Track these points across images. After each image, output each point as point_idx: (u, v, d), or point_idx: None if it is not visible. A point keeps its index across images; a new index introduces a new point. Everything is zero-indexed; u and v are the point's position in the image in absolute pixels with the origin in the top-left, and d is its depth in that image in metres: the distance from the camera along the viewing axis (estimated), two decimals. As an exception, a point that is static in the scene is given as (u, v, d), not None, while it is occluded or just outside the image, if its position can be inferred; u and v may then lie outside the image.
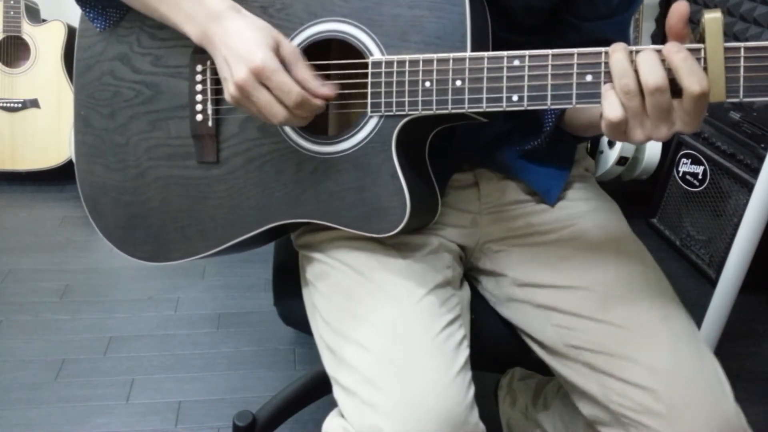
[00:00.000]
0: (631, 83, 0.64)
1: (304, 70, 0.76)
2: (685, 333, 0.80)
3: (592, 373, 0.82)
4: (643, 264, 0.88)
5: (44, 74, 2.40)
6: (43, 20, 2.46)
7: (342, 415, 0.78)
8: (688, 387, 0.76)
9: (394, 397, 0.73)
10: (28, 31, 2.39)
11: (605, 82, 0.67)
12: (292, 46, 0.77)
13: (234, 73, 0.74)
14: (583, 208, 0.93)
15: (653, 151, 2.22)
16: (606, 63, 0.67)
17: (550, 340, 0.87)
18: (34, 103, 2.40)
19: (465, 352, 0.80)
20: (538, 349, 0.90)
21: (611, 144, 2.19)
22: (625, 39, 0.93)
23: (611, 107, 0.66)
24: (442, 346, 0.78)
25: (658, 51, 0.64)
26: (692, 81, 0.62)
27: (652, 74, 0.63)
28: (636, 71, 0.64)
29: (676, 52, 0.63)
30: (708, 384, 0.77)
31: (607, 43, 0.92)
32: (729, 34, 2.16)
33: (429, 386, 0.74)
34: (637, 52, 0.65)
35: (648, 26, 2.36)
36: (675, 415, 0.75)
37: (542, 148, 0.90)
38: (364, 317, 0.81)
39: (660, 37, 2.38)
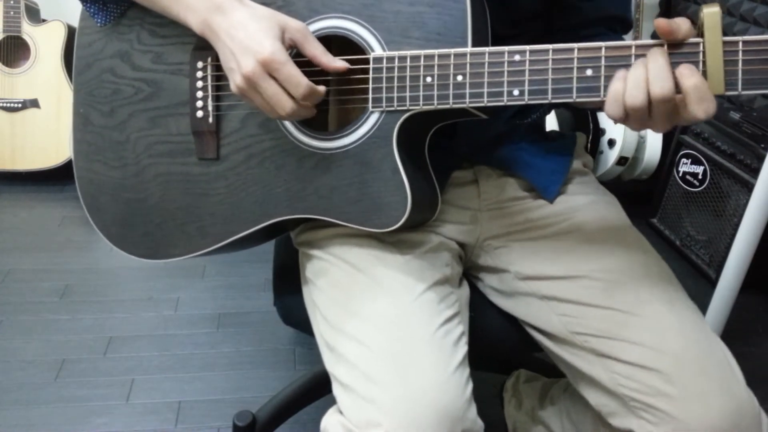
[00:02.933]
0: (641, 97, 0.65)
1: (314, 46, 0.77)
2: (692, 317, 0.80)
3: (598, 358, 0.81)
4: (645, 253, 0.88)
5: (44, 74, 2.40)
6: (43, 20, 2.46)
7: (340, 412, 0.78)
8: (698, 369, 0.75)
9: (393, 392, 0.73)
10: (28, 31, 2.39)
11: (606, 77, 0.67)
12: (299, 25, 0.77)
13: (241, 64, 0.74)
14: (581, 201, 0.93)
15: (653, 151, 2.22)
16: (606, 57, 0.67)
17: (555, 329, 0.86)
18: (34, 103, 2.40)
19: (463, 348, 0.80)
20: (544, 340, 0.89)
21: (611, 144, 2.19)
22: (627, 13, 0.94)
23: (612, 102, 0.66)
24: (440, 341, 0.78)
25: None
26: (699, 109, 0.63)
27: (661, 88, 0.64)
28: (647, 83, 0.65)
29: (689, 76, 0.64)
30: (718, 367, 0.76)
31: (608, 20, 0.92)
32: (729, 34, 2.16)
33: (427, 381, 0.74)
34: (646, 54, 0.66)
35: (648, 26, 2.36)
36: (687, 397, 0.74)
37: (542, 119, 0.90)
38: (363, 313, 0.81)
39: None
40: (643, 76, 0.65)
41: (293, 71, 0.74)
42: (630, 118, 0.67)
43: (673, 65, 0.65)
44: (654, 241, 2.21)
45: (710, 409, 0.73)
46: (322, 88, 0.76)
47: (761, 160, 1.49)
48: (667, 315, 0.79)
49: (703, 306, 1.57)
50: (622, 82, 0.66)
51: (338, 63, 0.77)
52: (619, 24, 0.93)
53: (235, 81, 0.76)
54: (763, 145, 1.85)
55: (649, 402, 0.76)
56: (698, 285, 1.98)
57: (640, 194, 2.23)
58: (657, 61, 0.65)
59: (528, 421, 1.14)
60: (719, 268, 1.74)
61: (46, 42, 2.40)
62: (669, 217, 2.21)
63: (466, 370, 0.78)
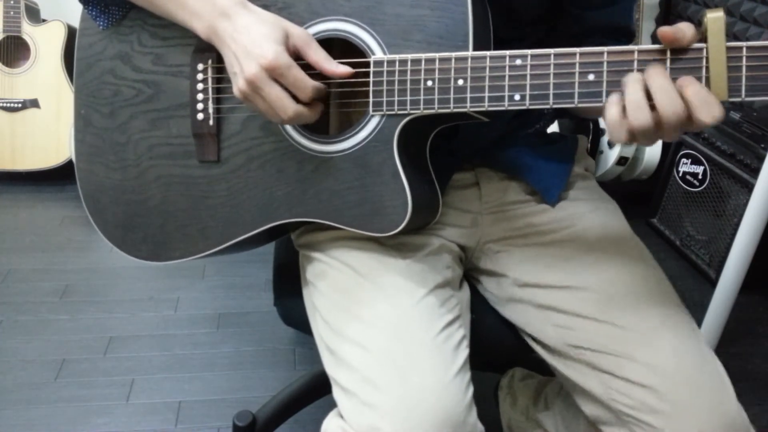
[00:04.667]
0: (645, 117, 0.64)
1: (317, 52, 0.77)
2: (687, 333, 0.80)
3: (593, 372, 0.81)
4: (644, 265, 0.87)
5: (44, 74, 2.40)
6: (43, 20, 2.46)
7: (341, 416, 0.78)
8: (691, 386, 0.76)
9: (393, 397, 0.73)
10: (28, 31, 2.39)
11: (608, 82, 0.67)
12: (302, 31, 0.77)
13: (244, 68, 0.74)
14: (583, 209, 0.93)
15: (653, 151, 2.22)
16: (609, 62, 0.67)
17: (550, 340, 0.86)
18: (34, 103, 2.40)
19: (464, 352, 0.80)
20: (539, 349, 0.90)
21: (611, 144, 2.19)
22: (630, 23, 0.93)
23: (614, 129, 0.66)
24: (441, 346, 0.78)
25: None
26: (705, 115, 0.62)
27: (671, 107, 0.63)
28: (647, 93, 0.64)
29: (687, 85, 0.63)
30: (710, 384, 0.77)
31: (611, 30, 0.92)
32: (729, 34, 2.16)
33: (428, 386, 0.74)
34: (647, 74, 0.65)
35: (648, 26, 2.36)
36: (678, 414, 0.75)
37: (544, 129, 0.89)
38: (364, 317, 0.80)
39: (660, 37, 2.38)
40: (641, 96, 0.64)
41: (299, 74, 0.74)
42: (638, 139, 0.66)
43: (672, 77, 0.64)
44: (654, 241, 2.23)
45: (701, 426, 0.74)
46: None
47: (761, 160, 1.49)
48: (662, 331, 0.80)
49: (703, 306, 1.58)
50: (617, 107, 0.65)
51: (341, 69, 0.76)
52: (621, 34, 0.93)
53: (237, 85, 0.76)
54: (763, 145, 1.85)
55: (642, 418, 0.77)
56: (698, 285, 1.98)
57: (640, 194, 2.23)
58: (658, 78, 0.64)
59: (522, 419, 1.14)
60: (719, 268, 1.74)
61: (46, 42, 2.39)
62: (669, 217, 2.21)
63: (467, 375, 0.78)
